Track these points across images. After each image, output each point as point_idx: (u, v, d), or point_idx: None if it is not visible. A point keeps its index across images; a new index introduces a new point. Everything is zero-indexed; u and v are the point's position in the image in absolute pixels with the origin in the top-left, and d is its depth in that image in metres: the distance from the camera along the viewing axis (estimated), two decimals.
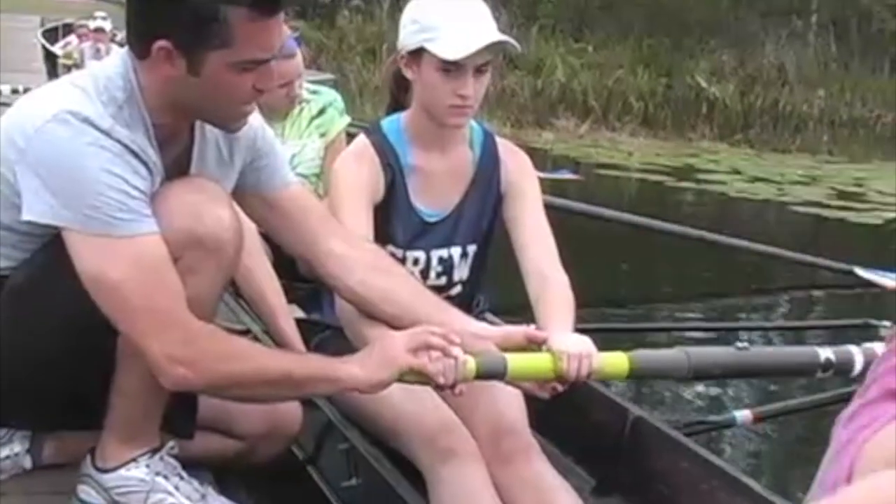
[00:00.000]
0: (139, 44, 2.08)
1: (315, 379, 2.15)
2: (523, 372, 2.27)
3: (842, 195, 12.28)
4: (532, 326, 2.50)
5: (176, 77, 2.06)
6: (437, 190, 2.70)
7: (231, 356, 2.07)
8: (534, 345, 2.32)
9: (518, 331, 2.37)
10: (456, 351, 2.13)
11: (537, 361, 2.28)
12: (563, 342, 2.28)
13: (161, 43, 2.02)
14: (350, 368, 2.12)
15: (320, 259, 2.41)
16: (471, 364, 2.15)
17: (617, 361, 2.33)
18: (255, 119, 2.33)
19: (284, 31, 3.85)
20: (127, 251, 2.01)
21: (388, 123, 2.70)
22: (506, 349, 2.29)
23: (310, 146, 4.11)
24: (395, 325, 2.34)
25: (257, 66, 2.07)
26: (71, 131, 2.01)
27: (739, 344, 2.47)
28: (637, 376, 2.41)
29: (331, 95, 4.25)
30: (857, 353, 2.55)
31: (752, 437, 4.56)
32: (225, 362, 2.06)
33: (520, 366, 2.25)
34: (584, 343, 2.30)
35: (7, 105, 3.26)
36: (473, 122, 2.74)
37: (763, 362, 2.60)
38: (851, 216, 10.95)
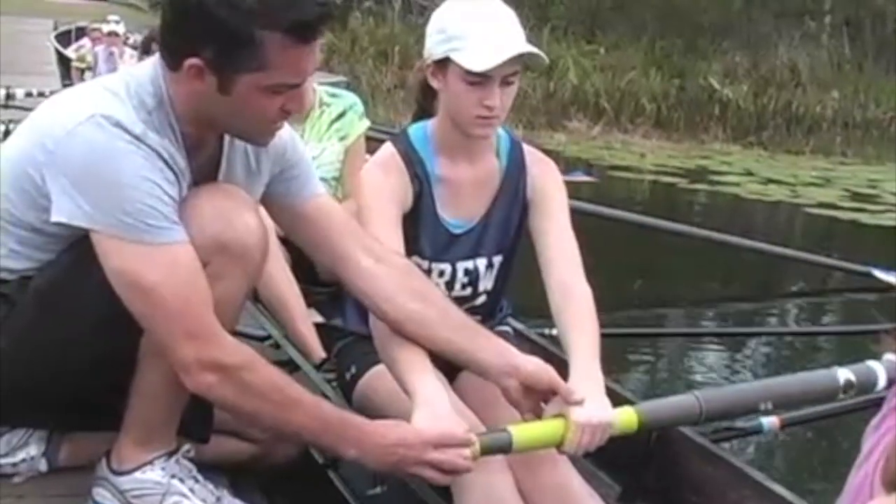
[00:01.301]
0: (171, 57, 2.07)
1: (320, 445, 2.29)
2: (530, 443, 2.26)
3: (855, 197, 12.25)
4: (554, 331, 2.47)
5: (205, 93, 2.05)
6: (463, 200, 2.66)
7: (257, 392, 2.07)
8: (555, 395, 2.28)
9: (547, 377, 2.29)
10: (463, 462, 2.12)
11: (546, 429, 2.25)
12: (583, 414, 2.23)
13: (193, 60, 2.02)
14: (353, 451, 2.12)
15: (349, 273, 2.37)
16: (475, 446, 2.14)
17: (626, 417, 2.31)
18: (286, 130, 2.32)
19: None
20: (162, 259, 2.01)
21: (415, 132, 2.66)
22: (529, 388, 2.27)
23: (329, 149, 4.09)
24: (420, 345, 2.32)
25: (289, 89, 2.06)
26: (104, 135, 2.00)
27: (762, 406, 2.44)
28: (648, 429, 2.37)
29: (351, 99, 4.24)
30: (878, 368, 2.52)
31: (780, 443, 4.53)
32: (245, 398, 2.07)
33: (526, 438, 2.23)
34: (603, 410, 2.27)
35: (22, 108, 3.25)
36: (501, 131, 2.69)
37: (778, 394, 2.55)
38: (865, 218, 10.91)
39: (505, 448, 2.21)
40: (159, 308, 2.01)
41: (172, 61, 2.06)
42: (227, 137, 2.24)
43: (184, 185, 2.11)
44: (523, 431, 2.23)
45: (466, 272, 2.67)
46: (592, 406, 2.24)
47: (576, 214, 2.75)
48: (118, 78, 2.17)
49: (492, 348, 2.33)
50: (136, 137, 2.02)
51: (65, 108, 2.10)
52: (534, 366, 2.29)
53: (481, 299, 2.71)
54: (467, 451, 2.12)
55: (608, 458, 2.88)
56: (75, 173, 2.01)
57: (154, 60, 2.14)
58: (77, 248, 2.08)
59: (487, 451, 2.18)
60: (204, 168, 2.20)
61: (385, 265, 2.35)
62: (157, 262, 2.00)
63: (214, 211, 2.11)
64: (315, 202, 2.38)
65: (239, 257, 2.13)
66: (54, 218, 2.04)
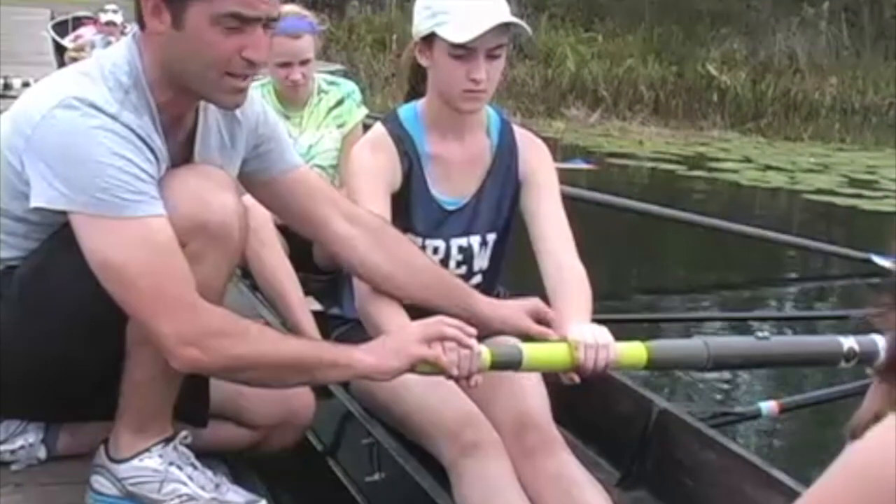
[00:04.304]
0: (138, 8, 2.08)
1: (326, 364, 2.14)
2: (539, 362, 2.27)
3: (854, 183, 12.22)
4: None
5: (164, 34, 2.05)
6: (455, 177, 2.68)
7: (242, 339, 2.05)
8: (540, 323, 2.31)
9: (527, 304, 2.37)
10: (470, 342, 2.12)
11: (554, 351, 2.26)
12: (581, 332, 2.26)
13: None
14: (362, 356, 2.13)
15: (328, 240, 2.46)
16: (485, 355, 2.14)
17: (635, 352, 2.31)
18: (257, 104, 2.34)
19: (293, 9, 3.85)
20: (136, 232, 2.00)
21: (405, 111, 2.69)
22: (515, 326, 2.32)
23: (327, 137, 4.09)
24: (403, 302, 2.41)
25: (241, 25, 2.03)
26: (78, 116, 2.01)
27: (760, 334, 2.43)
28: (656, 367, 2.38)
29: (349, 87, 4.24)
30: (881, 342, 2.51)
31: (778, 428, 4.52)
32: (236, 345, 2.04)
33: (536, 356, 2.24)
34: (602, 333, 2.29)
35: (19, 98, 3.24)
36: (490, 109, 2.72)
37: (784, 352, 2.57)
38: (864, 204, 10.89)
39: (515, 364, 2.21)
40: (133, 286, 2.00)
41: (138, 12, 2.08)
42: (201, 115, 2.23)
43: (162, 165, 2.11)
44: (533, 350, 2.25)
45: (461, 249, 2.69)
46: (589, 329, 2.29)
47: (575, 202, 2.77)
48: (93, 61, 2.18)
49: (474, 301, 2.43)
50: (111, 117, 2.02)
51: (41, 93, 2.11)
52: (518, 300, 2.38)
53: (477, 279, 2.72)
54: (471, 339, 2.14)
55: (607, 444, 2.89)
56: (51, 156, 2.01)
57: (128, 41, 2.15)
58: (60, 234, 2.08)
59: (497, 364, 2.18)
60: (181, 147, 2.21)
61: (357, 227, 2.41)
62: (130, 237, 1.99)
63: (189, 192, 2.10)
64: (293, 174, 2.41)
65: (217, 237, 2.12)
66: (33, 203, 2.04)
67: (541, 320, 2.47)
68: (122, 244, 1.99)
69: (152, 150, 2.07)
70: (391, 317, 2.43)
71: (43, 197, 2.03)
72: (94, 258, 2.01)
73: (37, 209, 2.06)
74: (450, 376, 2.15)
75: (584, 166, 9.66)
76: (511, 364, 2.21)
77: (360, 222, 2.42)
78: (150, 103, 2.10)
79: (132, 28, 2.17)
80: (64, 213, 2.03)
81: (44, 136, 2.02)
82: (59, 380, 2.20)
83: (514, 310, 2.49)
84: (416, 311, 2.43)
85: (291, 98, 4.02)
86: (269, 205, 2.53)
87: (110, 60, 2.12)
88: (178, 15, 2.03)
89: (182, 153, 2.21)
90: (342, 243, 2.42)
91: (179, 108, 2.18)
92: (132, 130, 2.04)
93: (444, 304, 2.42)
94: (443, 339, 2.12)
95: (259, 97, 2.33)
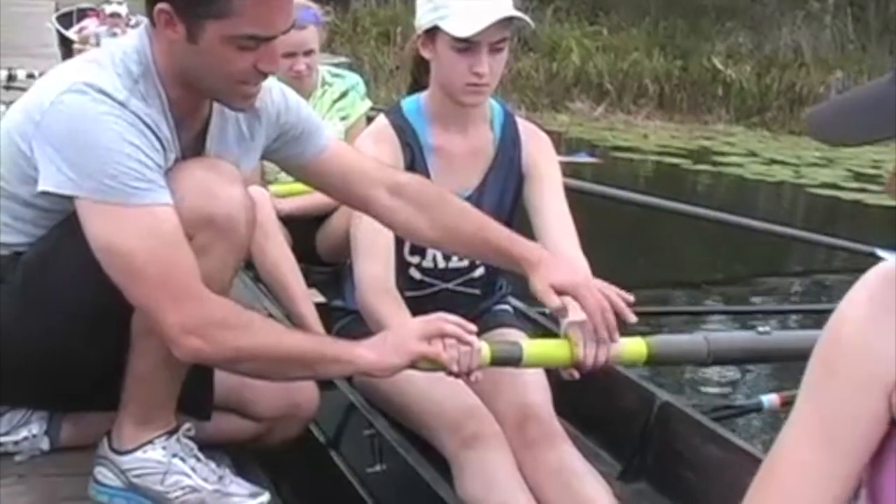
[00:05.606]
0: (149, 7, 2.08)
1: (328, 359, 2.14)
2: (539, 359, 2.27)
3: (859, 177, 12.21)
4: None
5: (177, 42, 2.05)
6: (457, 170, 2.68)
7: (245, 330, 2.05)
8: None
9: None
10: (470, 338, 2.12)
11: (554, 348, 2.26)
12: (581, 328, 2.25)
13: (162, 6, 2.02)
14: (363, 352, 2.12)
15: (374, 213, 2.45)
16: (485, 351, 2.15)
17: (635, 347, 2.31)
18: (276, 93, 2.32)
19: (304, 3, 3.84)
20: (143, 221, 1.99)
21: (408, 104, 2.70)
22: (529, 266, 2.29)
23: (331, 129, 4.08)
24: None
25: (257, 43, 2.04)
26: (87, 101, 2.01)
27: (760, 329, 2.43)
28: (656, 363, 2.38)
29: (353, 79, 4.24)
30: None
31: (780, 421, 4.51)
32: (239, 336, 2.04)
33: (535, 353, 2.24)
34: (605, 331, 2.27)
35: (24, 89, 3.25)
36: (494, 102, 2.72)
37: (785, 347, 2.56)
38: (869, 198, 10.88)
39: (515, 361, 2.22)
40: (139, 274, 1.99)
41: (150, 12, 2.07)
42: (216, 105, 2.23)
43: (170, 155, 2.10)
44: (533, 346, 2.26)
45: None
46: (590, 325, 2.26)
47: (579, 195, 2.78)
48: (103, 50, 2.19)
49: (517, 257, 2.36)
50: (120, 103, 2.02)
51: (50, 81, 2.11)
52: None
53: (479, 271, 2.73)
54: (471, 336, 2.13)
55: (609, 437, 2.90)
56: (59, 140, 2.01)
57: (139, 31, 2.15)
58: (67, 223, 2.07)
59: (497, 360, 2.18)
60: (195, 137, 2.21)
61: (401, 199, 2.40)
62: (136, 225, 1.99)
63: (196, 184, 2.09)
64: (326, 154, 2.39)
65: (224, 231, 2.11)
66: (41, 187, 2.04)
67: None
68: (128, 232, 1.99)
69: (159, 140, 2.07)
70: (392, 313, 2.44)
71: (51, 181, 2.02)
72: (99, 244, 2.01)
73: (45, 194, 2.05)
74: (450, 373, 2.14)
75: (588, 160, 9.66)
76: (510, 360, 2.21)
77: (401, 191, 2.40)
78: (160, 93, 2.10)
79: (137, 20, 2.17)
80: (71, 199, 2.03)
81: (53, 120, 2.02)
82: (61, 370, 2.19)
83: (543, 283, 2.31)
84: (417, 306, 2.43)
85: (295, 89, 3.99)
86: (314, 185, 2.53)
87: (121, 49, 2.12)
88: (193, 30, 2.02)
89: (196, 145, 2.21)
90: (386, 215, 2.42)
91: (191, 101, 2.17)
92: (140, 118, 2.04)
93: (494, 262, 2.51)
94: (443, 335, 2.12)
95: (279, 85, 2.32)
